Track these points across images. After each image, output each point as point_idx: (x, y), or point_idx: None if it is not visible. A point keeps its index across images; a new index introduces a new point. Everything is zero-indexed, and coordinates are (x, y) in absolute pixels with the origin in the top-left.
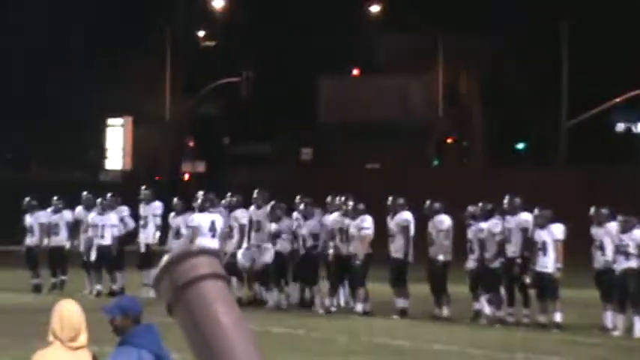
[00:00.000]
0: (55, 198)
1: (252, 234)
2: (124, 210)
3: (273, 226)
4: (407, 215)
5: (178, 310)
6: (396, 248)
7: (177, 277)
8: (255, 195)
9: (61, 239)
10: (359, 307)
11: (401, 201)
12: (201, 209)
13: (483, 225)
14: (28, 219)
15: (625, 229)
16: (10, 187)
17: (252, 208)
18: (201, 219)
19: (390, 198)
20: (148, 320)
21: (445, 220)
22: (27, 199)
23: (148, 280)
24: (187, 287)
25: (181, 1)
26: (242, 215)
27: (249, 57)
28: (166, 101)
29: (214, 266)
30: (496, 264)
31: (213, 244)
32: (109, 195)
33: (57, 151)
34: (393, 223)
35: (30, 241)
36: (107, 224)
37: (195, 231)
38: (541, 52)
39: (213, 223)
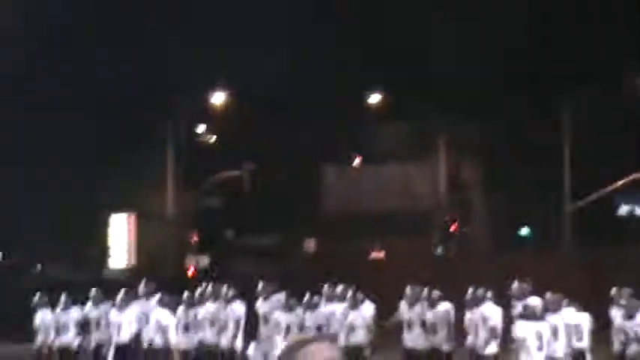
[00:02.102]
0: (63, 296)
1: (261, 327)
2: (136, 308)
3: (284, 317)
4: (447, 306)
5: None
6: (440, 338)
7: None
8: (259, 287)
9: (70, 338)
10: None
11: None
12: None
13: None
14: (39, 317)
15: (629, 314)
16: (15, 286)
17: (260, 300)
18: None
19: (426, 290)
20: None
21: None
22: (36, 296)
23: None
24: None
25: (182, 97)
26: (239, 308)
27: (251, 149)
28: (169, 196)
29: (332, 352)
30: (489, 350)
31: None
32: (123, 291)
33: (59, 251)
34: (431, 314)
35: (40, 339)
36: (126, 321)
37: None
38: (542, 136)
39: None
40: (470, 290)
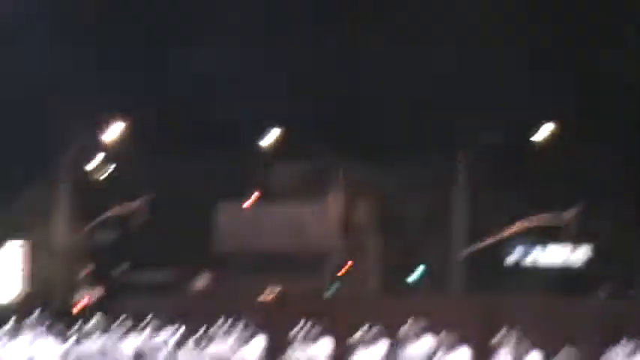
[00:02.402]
0: None
1: None
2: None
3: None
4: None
5: None
6: None
7: None
8: (148, 322)
9: None
10: None
11: None
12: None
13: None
14: None
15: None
16: None
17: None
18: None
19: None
20: None
21: None
22: None
23: None
24: None
25: (78, 128)
26: (129, 344)
27: (146, 184)
28: (60, 227)
29: None
30: None
31: None
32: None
33: None
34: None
35: None
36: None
37: None
38: (437, 183)
39: None
40: (364, 329)
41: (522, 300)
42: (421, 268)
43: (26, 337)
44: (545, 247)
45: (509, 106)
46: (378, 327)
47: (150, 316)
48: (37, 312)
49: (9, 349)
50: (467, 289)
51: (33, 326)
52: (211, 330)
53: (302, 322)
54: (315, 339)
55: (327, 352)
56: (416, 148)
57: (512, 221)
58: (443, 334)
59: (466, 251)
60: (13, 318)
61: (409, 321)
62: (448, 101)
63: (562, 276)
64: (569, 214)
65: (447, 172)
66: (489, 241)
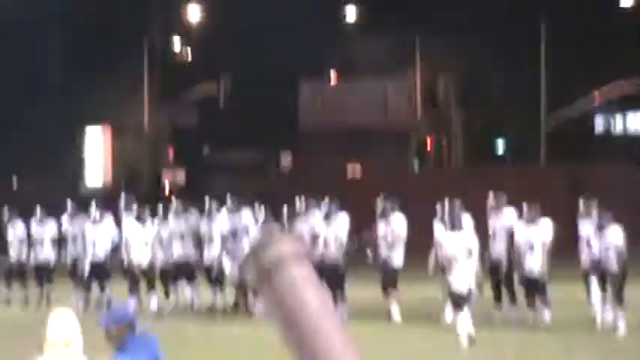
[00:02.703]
0: (38, 210)
1: (229, 243)
2: (110, 222)
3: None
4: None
5: (266, 293)
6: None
7: (265, 261)
8: (228, 202)
9: (46, 252)
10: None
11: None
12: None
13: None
14: (11, 232)
15: (600, 227)
16: None
17: (227, 215)
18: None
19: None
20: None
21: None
22: (6, 211)
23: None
24: (275, 272)
25: (157, 11)
26: (223, 223)
27: (227, 65)
28: (145, 112)
29: (299, 249)
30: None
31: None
32: (94, 206)
33: (35, 164)
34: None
35: (14, 255)
36: (100, 237)
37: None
38: (519, 51)
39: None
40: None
41: (606, 169)
42: (505, 141)
43: (113, 221)
44: (627, 115)
45: None
46: (462, 200)
47: (235, 196)
48: (122, 195)
49: (97, 232)
50: (552, 157)
51: (122, 209)
52: (296, 208)
53: (384, 197)
54: (396, 213)
55: (406, 225)
56: (497, 20)
57: (594, 89)
58: (526, 205)
59: (550, 121)
60: (100, 202)
61: (491, 193)
62: None
63: None
64: None
65: (530, 45)
66: (573, 110)
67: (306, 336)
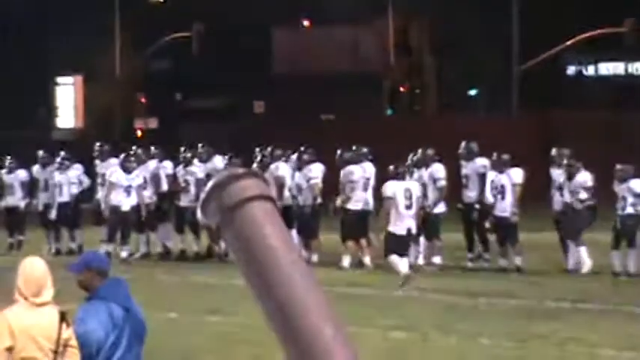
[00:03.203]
0: (8, 157)
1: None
2: (79, 168)
3: None
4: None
5: (227, 232)
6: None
7: (226, 200)
8: (199, 150)
9: (17, 199)
10: (314, 257)
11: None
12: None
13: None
14: None
15: (570, 174)
16: None
17: (196, 162)
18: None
19: (420, 151)
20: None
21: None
22: None
23: (104, 236)
24: (236, 209)
25: None
26: (198, 169)
27: (200, 11)
28: (116, 58)
29: (262, 188)
30: (437, 210)
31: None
32: (62, 153)
33: (6, 111)
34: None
35: None
36: (67, 182)
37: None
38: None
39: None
40: (419, 151)
41: (579, 114)
42: (477, 87)
43: (80, 166)
44: (602, 60)
45: None
46: (435, 147)
47: (207, 142)
48: (95, 143)
49: (64, 178)
50: (524, 105)
51: (93, 156)
52: (272, 152)
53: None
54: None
55: (373, 170)
56: None
57: (570, 34)
58: (497, 153)
59: (523, 66)
60: (71, 148)
61: (464, 141)
62: None
63: (619, 89)
64: (628, 25)
65: None
66: (547, 54)
67: (264, 273)
